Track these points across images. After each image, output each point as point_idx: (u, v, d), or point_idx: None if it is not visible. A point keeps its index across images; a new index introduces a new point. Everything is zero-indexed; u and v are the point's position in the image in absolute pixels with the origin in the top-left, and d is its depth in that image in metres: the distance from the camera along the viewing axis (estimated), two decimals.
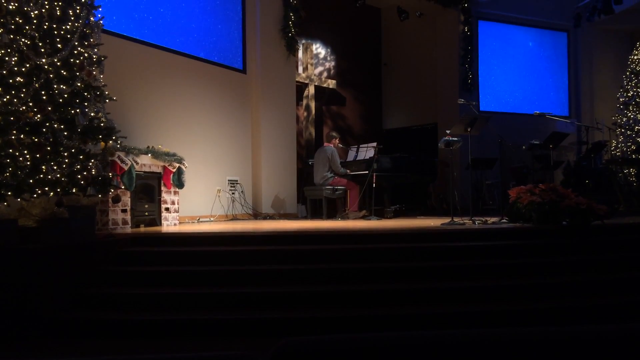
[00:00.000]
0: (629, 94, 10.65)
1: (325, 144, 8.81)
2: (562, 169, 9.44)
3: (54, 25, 4.38)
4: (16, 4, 4.13)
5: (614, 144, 10.56)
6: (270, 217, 8.76)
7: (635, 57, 10.74)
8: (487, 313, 3.88)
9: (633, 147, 10.15)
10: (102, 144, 4.90)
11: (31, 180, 4.10)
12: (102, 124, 4.77)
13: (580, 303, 4.08)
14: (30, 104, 4.16)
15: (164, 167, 6.47)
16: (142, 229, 6.10)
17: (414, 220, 7.75)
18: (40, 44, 4.25)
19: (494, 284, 4.29)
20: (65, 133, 4.35)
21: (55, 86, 4.31)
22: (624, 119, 10.64)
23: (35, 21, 4.23)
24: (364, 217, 7.97)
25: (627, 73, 10.87)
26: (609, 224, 5.48)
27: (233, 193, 8.58)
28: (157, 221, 6.50)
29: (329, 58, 11.68)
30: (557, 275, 4.53)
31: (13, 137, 3.99)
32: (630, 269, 4.67)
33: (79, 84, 4.51)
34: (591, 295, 4.24)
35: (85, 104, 4.58)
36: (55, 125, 4.27)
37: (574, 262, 4.70)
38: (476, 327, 3.77)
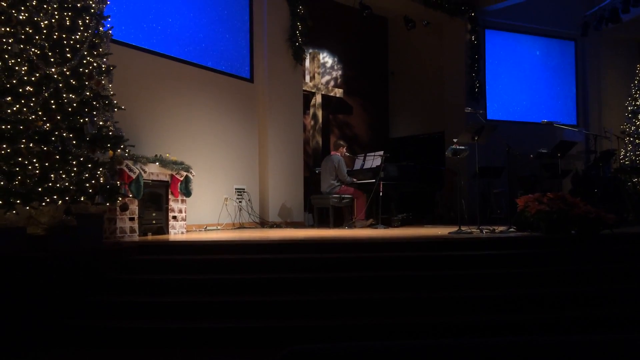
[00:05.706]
0: (637, 103, 10.59)
1: (332, 152, 8.81)
2: (570, 178, 9.38)
3: (64, 35, 4.43)
4: (26, 14, 4.18)
5: (622, 153, 10.48)
6: (277, 225, 8.76)
7: None
8: (496, 322, 3.86)
9: None
10: (111, 152, 4.94)
11: (40, 189, 4.12)
12: (110, 133, 4.81)
13: (590, 312, 4.05)
14: (40, 113, 4.20)
15: (172, 176, 6.49)
16: (150, 237, 6.11)
17: (421, 229, 7.73)
18: (49, 54, 4.30)
19: (501, 293, 4.26)
20: (74, 142, 4.39)
21: (64, 95, 4.36)
22: (633, 128, 10.57)
23: (45, 31, 4.28)
24: (371, 226, 7.96)
25: (636, 82, 10.81)
26: (617, 233, 5.44)
27: (240, 201, 8.59)
28: (164, 229, 6.52)
29: (335, 67, 11.71)
30: (565, 284, 4.50)
31: (22, 145, 4.03)
32: None
33: (87, 93, 4.55)
34: (600, 305, 4.20)
35: (94, 113, 4.62)
36: (64, 134, 4.31)
37: (582, 271, 4.66)
38: (484, 336, 3.75)
